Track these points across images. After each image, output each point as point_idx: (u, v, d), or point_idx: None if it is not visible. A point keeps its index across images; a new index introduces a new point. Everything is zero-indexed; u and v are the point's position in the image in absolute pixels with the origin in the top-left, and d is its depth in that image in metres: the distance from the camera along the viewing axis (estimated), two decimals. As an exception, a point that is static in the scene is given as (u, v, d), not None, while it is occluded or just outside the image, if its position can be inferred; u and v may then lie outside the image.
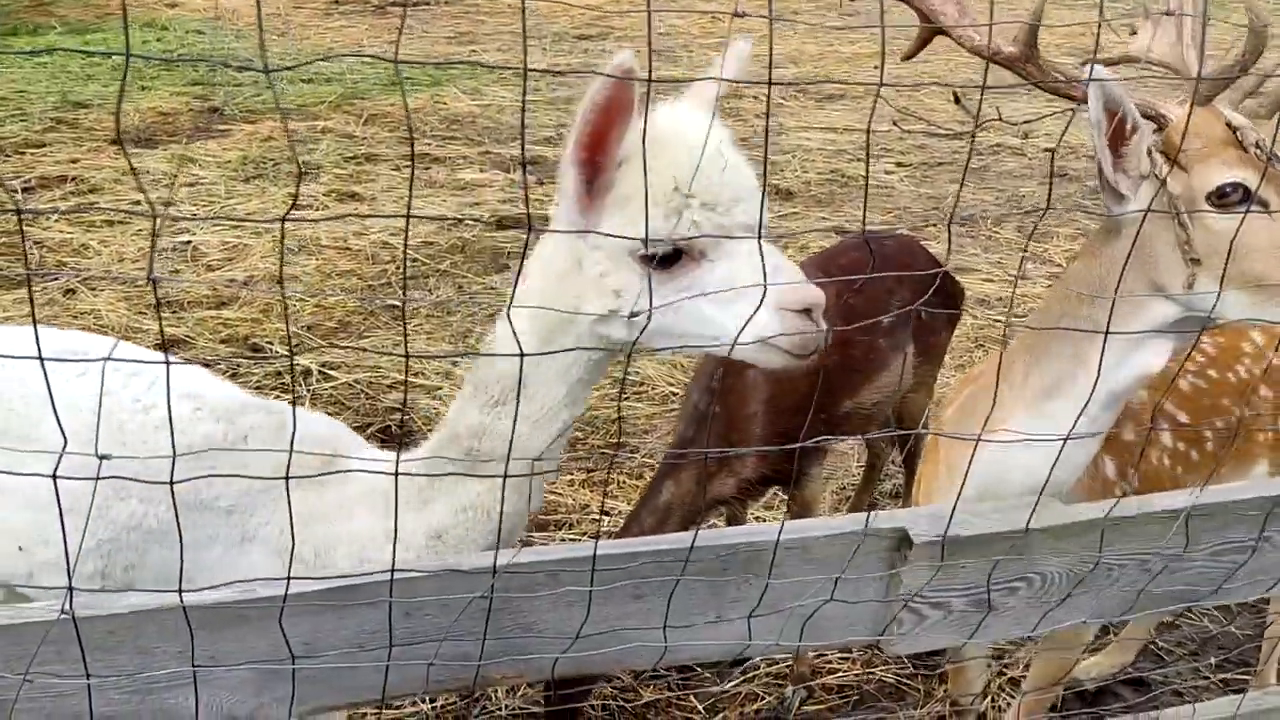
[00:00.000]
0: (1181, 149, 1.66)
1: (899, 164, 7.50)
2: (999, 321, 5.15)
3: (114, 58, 8.71)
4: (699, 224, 1.49)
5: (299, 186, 1.39)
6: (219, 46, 9.56)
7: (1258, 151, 1.64)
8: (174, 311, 4.89)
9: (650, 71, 1.22)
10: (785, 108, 8.78)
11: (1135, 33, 1.92)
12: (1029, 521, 1.58)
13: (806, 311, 1.51)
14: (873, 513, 1.62)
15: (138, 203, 5.88)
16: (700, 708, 2.93)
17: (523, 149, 1.04)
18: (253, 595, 1.39)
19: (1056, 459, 1.61)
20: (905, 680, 3.03)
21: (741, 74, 1.70)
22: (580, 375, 1.65)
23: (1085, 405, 1.64)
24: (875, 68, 10.07)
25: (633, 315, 1.52)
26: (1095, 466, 2.12)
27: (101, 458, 1.29)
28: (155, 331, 4.63)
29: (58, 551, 1.71)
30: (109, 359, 1.58)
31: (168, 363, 1.21)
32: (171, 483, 1.24)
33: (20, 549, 1.81)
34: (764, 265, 1.33)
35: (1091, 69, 1.61)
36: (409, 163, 7.00)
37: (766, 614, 1.59)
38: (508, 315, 1.50)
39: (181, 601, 1.27)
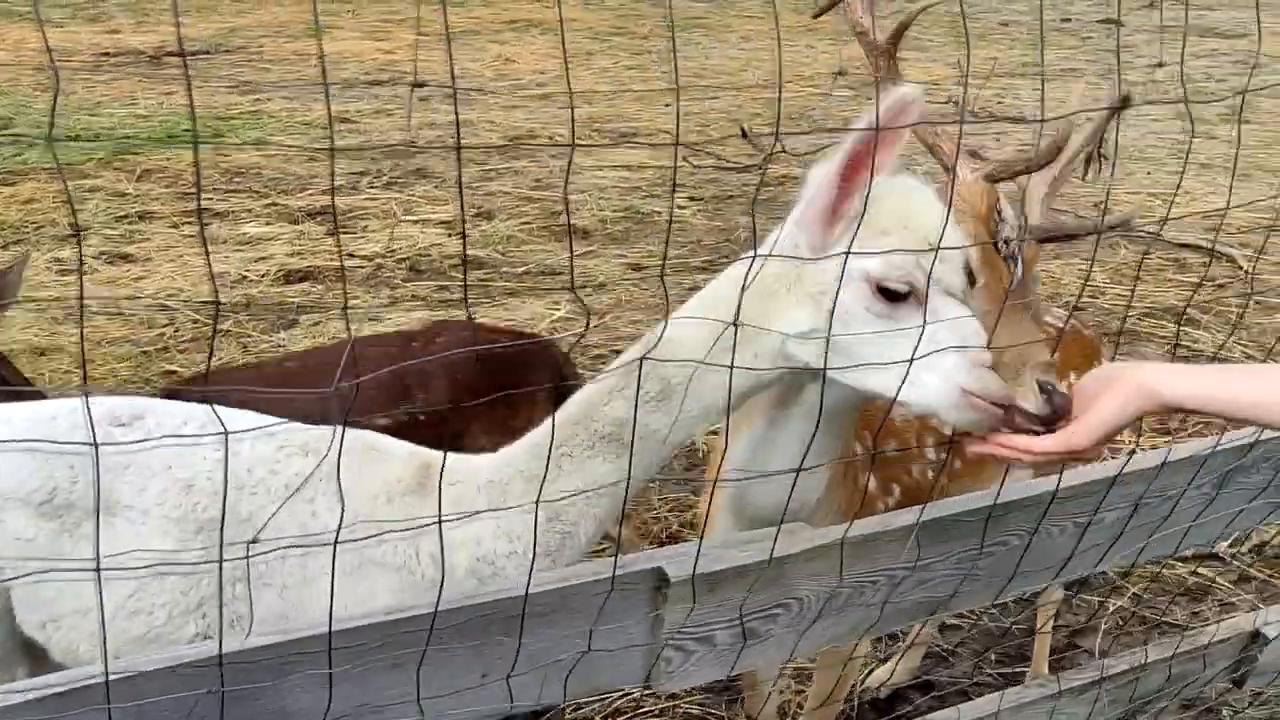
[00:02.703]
0: None
1: (691, 198, 7.69)
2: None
3: None
4: (935, 275, 1.55)
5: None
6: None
7: (1004, 242, 1.77)
8: (-80, 394, 4.49)
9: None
10: (579, 147, 8.87)
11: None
12: (778, 549, 1.62)
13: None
14: (630, 555, 1.62)
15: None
16: (507, 762, 2.86)
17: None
18: (-50, 714, 1.27)
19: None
20: (711, 710, 3.05)
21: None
22: (744, 388, 1.66)
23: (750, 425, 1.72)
24: (667, 105, 10.31)
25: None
26: (855, 482, 2.19)
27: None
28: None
29: (146, 622, 1.75)
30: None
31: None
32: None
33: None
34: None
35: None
36: (187, 219, 6.70)
37: (530, 669, 1.57)
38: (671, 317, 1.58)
39: None
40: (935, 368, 1.53)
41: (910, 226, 1.56)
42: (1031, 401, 1.69)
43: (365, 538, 1.60)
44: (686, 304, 1.72)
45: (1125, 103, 2.06)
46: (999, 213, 1.82)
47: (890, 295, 1.56)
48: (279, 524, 1.78)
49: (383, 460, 1.83)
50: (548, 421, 1.76)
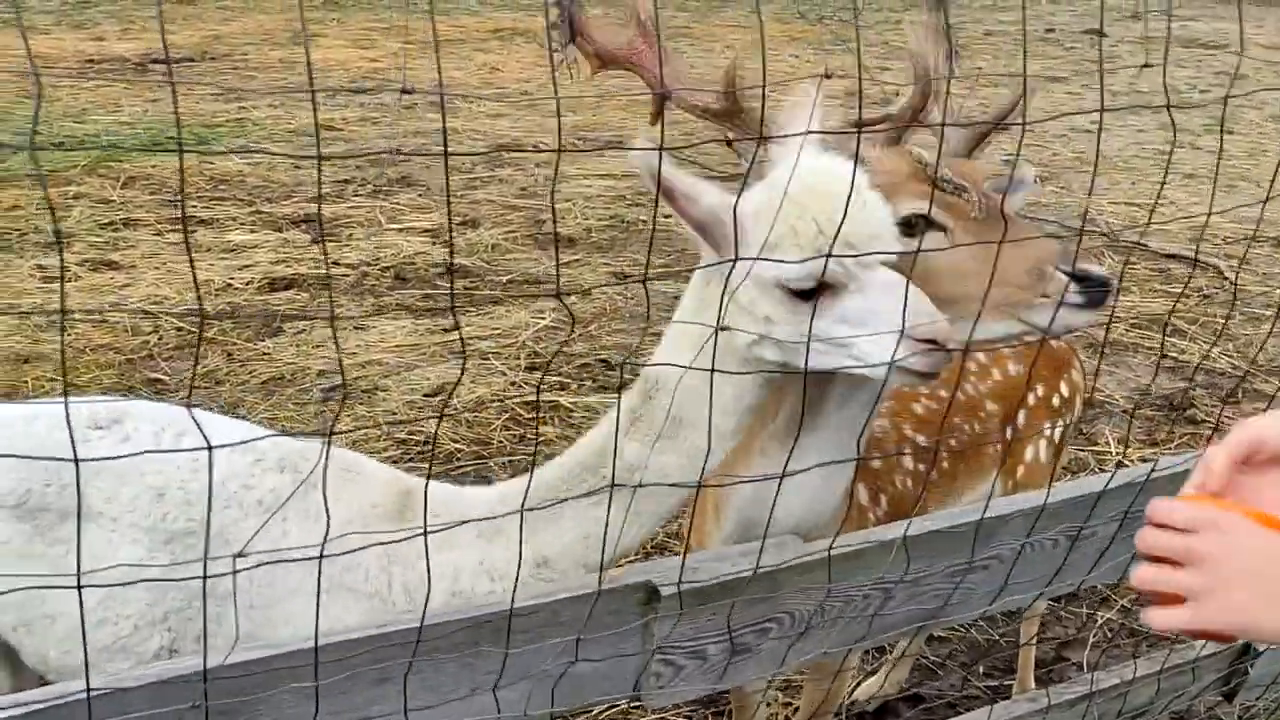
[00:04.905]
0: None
1: (677, 206, 7.67)
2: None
3: None
4: (841, 262, 1.56)
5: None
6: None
7: (943, 183, 1.76)
8: (-101, 403, 4.44)
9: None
10: (564, 155, 8.86)
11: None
12: (768, 562, 1.61)
13: (933, 340, 1.57)
14: (619, 568, 1.61)
15: None
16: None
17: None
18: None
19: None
20: (697, 722, 3.04)
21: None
22: (749, 402, 1.67)
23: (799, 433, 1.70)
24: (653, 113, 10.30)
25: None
26: (851, 496, 2.18)
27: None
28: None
29: (112, 632, 1.73)
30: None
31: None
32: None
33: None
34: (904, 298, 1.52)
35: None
36: (172, 227, 6.65)
37: (518, 683, 1.55)
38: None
39: None
40: (876, 340, 1.56)
41: (799, 228, 1.56)
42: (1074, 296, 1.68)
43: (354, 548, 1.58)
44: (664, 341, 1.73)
45: None
46: (920, 161, 1.82)
47: (806, 292, 1.58)
48: (251, 542, 1.74)
49: (360, 483, 1.80)
50: (553, 464, 1.75)
